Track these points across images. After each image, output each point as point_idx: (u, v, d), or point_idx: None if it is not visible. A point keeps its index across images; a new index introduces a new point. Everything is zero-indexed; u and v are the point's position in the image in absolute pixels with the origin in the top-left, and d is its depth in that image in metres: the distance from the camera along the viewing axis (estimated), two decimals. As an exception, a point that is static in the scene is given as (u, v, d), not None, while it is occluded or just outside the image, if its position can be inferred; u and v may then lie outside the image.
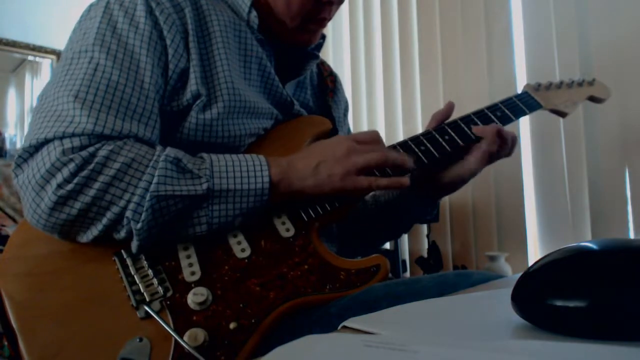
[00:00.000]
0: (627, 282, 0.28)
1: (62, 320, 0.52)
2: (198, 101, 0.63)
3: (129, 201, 0.54)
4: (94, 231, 0.56)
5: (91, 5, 0.66)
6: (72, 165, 0.53)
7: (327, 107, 0.85)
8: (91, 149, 0.54)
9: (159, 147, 0.58)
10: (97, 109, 0.57)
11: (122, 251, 0.57)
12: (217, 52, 0.67)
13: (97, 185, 0.53)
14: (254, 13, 0.72)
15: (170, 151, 0.57)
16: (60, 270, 0.56)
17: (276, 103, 0.74)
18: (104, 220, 0.55)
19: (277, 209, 0.63)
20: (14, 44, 2.76)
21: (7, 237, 0.61)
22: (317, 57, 0.83)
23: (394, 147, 0.73)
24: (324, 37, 0.83)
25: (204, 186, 0.56)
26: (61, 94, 0.58)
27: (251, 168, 0.60)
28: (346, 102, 0.94)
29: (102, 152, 0.54)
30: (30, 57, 2.86)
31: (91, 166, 0.54)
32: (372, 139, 0.67)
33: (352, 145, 0.64)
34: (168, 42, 0.63)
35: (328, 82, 0.89)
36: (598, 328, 0.28)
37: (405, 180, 0.66)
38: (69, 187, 0.53)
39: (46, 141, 0.55)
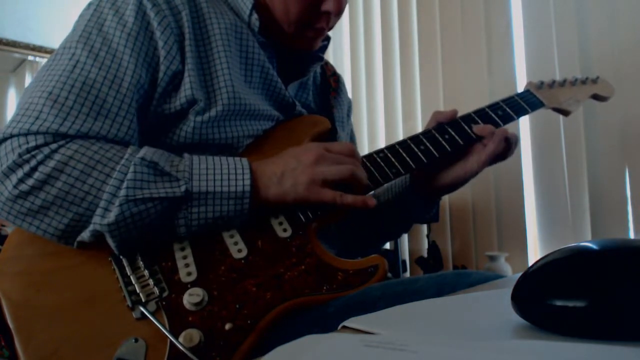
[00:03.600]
0: (627, 282, 0.28)
1: (58, 321, 0.52)
2: (196, 106, 0.63)
3: (92, 203, 0.54)
4: (53, 230, 0.55)
5: (90, 4, 0.66)
6: (33, 162, 0.54)
7: (329, 107, 0.85)
8: (54, 146, 0.55)
9: (130, 149, 0.57)
10: (69, 105, 0.57)
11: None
12: (217, 56, 0.66)
13: (59, 184, 0.54)
14: (255, 16, 0.72)
15: (147, 154, 0.56)
16: (58, 270, 0.56)
17: (278, 105, 0.74)
18: (65, 220, 0.54)
19: (274, 209, 0.62)
20: (14, 44, 2.76)
21: (7, 237, 0.61)
22: (322, 59, 0.83)
23: (392, 146, 0.72)
24: (328, 39, 0.83)
25: (182, 188, 0.56)
26: (37, 89, 0.58)
27: (232, 171, 0.58)
28: (349, 103, 0.94)
29: (66, 152, 0.54)
30: (30, 57, 2.86)
31: (52, 163, 0.54)
32: (346, 151, 0.65)
33: (321, 153, 0.62)
34: (161, 43, 0.62)
35: (331, 82, 0.89)
36: (598, 328, 0.28)
37: (372, 201, 0.62)
38: (30, 182, 0.53)
39: (11, 136, 0.55)
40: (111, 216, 0.53)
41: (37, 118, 0.55)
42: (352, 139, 0.95)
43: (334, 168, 0.61)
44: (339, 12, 0.72)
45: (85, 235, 0.55)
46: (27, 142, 0.54)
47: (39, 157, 0.54)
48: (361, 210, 0.62)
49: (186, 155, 0.60)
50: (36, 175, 0.53)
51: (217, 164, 0.59)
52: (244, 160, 0.60)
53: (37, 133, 0.55)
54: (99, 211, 0.54)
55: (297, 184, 0.59)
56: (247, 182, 0.58)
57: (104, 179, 0.54)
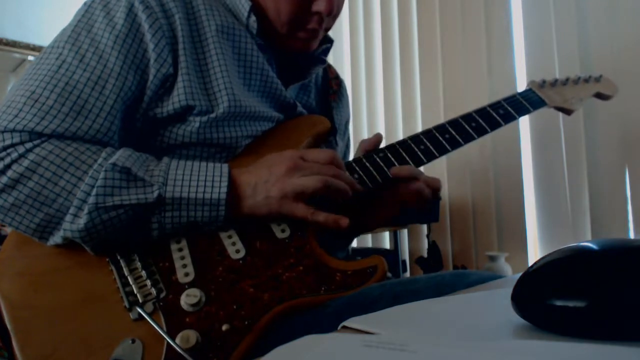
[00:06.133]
0: (626, 282, 0.28)
1: (56, 321, 0.51)
2: (194, 109, 0.63)
3: (63, 205, 0.54)
4: (25, 228, 0.55)
5: (84, 4, 0.66)
6: (7, 159, 0.54)
7: (329, 109, 0.85)
8: (29, 145, 0.55)
9: (105, 152, 0.57)
10: (49, 105, 0.57)
11: (116, 252, 0.57)
12: (215, 58, 0.66)
13: (31, 184, 0.54)
14: (252, 18, 0.71)
15: (120, 158, 0.56)
16: (55, 270, 0.56)
17: (279, 107, 0.73)
18: (36, 220, 0.54)
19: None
20: (14, 44, 2.76)
21: (6, 237, 0.61)
22: (324, 61, 0.82)
23: (392, 146, 0.72)
24: (331, 41, 0.82)
25: (155, 194, 0.55)
26: (22, 87, 0.59)
27: (209, 178, 0.58)
28: (348, 115, 0.93)
29: (41, 152, 0.55)
30: (30, 57, 2.85)
31: (26, 163, 0.54)
32: (324, 158, 0.61)
33: (295, 163, 0.59)
34: (151, 46, 0.62)
35: (332, 84, 0.89)
36: (598, 328, 0.27)
37: (344, 221, 0.59)
38: (3, 180, 0.54)
39: None
40: (80, 223, 0.53)
41: (15, 116, 0.56)
42: (347, 146, 0.94)
43: (307, 180, 0.58)
44: (330, 13, 0.71)
45: (57, 239, 0.55)
46: (3, 140, 0.55)
47: (14, 155, 0.54)
48: (333, 230, 0.60)
49: (165, 159, 0.60)
50: (9, 173, 0.54)
51: (196, 169, 0.58)
52: (224, 167, 0.59)
53: (13, 131, 0.55)
54: (68, 217, 0.54)
55: (269, 198, 0.58)
56: (224, 190, 0.57)
57: (75, 182, 0.54)
